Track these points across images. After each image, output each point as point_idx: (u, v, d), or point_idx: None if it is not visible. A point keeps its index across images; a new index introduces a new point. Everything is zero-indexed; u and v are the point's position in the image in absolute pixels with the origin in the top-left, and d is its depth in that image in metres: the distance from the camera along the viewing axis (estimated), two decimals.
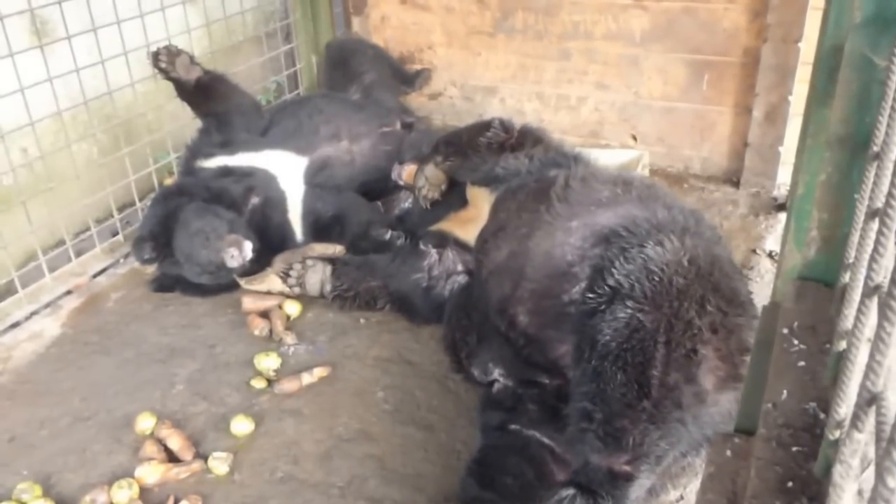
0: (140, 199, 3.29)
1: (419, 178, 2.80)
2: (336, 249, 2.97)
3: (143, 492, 2.06)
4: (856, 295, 0.85)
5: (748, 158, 3.40)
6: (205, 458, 2.14)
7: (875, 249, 0.74)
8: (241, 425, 2.25)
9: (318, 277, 2.77)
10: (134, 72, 3.16)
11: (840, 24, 1.10)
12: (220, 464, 2.12)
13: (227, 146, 3.09)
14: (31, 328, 2.77)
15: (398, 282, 2.69)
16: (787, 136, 3.25)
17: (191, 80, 2.98)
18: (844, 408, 0.78)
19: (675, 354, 1.63)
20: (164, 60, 2.91)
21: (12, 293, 2.83)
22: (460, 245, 2.64)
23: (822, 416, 0.96)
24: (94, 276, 3.06)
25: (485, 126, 2.64)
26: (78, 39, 2.93)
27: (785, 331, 1.12)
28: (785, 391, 1.01)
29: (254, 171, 3.06)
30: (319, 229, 3.08)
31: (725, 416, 1.68)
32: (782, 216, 3.18)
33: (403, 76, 3.96)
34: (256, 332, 2.66)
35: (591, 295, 1.81)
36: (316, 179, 3.12)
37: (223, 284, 2.85)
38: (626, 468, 1.64)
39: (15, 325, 2.78)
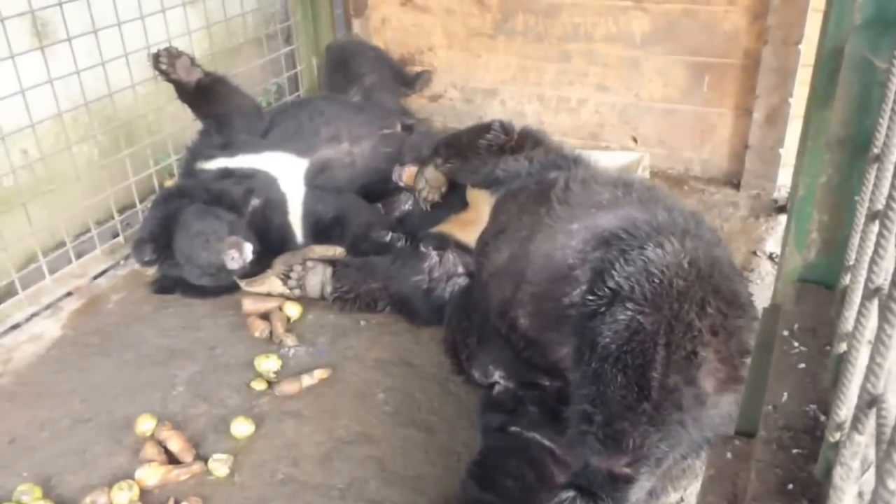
0: (140, 201, 3.29)
1: (419, 181, 2.80)
2: (336, 251, 2.97)
3: (144, 493, 2.06)
4: (856, 297, 0.85)
5: (748, 160, 3.40)
6: (205, 459, 2.14)
7: (875, 252, 0.74)
8: (242, 427, 2.25)
9: (318, 279, 2.77)
10: (134, 73, 3.16)
11: (840, 27, 1.10)
12: (220, 465, 2.11)
13: (228, 148, 3.09)
14: (31, 330, 2.77)
15: (399, 284, 2.69)
16: (787, 138, 3.25)
17: (191, 82, 2.98)
18: (845, 410, 0.78)
19: (675, 356, 1.63)
20: (165, 62, 2.91)
21: (13, 295, 2.83)
22: (461, 247, 2.63)
23: (822, 418, 0.96)
24: (95, 277, 3.06)
25: (485, 128, 2.64)
26: (78, 41, 2.94)
27: (785, 333, 1.12)
28: (785, 393, 1.01)
29: (254, 173, 3.06)
30: (320, 231, 3.08)
31: (725, 418, 1.68)
32: (783, 218, 3.18)
33: (404, 78, 3.96)
34: (257, 334, 2.66)
35: (591, 297, 1.81)
36: (316, 181, 3.12)
37: (223, 286, 2.85)
38: (627, 470, 1.64)
39: (15, 327, 2.78)
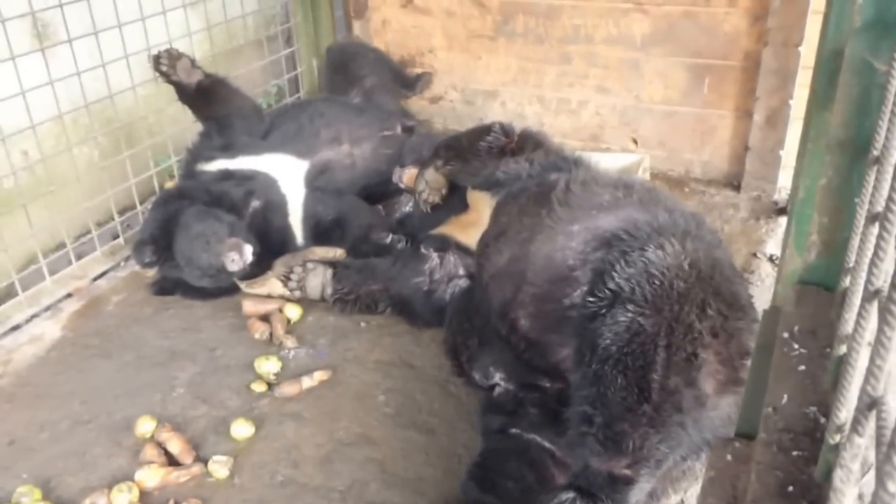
0: (141, 203, 3.29)
1: (420, 183, 2.80)
2: (337, 253, 2.97)
3: (143, 495, 2.06)
4: (856, 299, 0.85)
5: (749, 162, 3.40)
6: (205, 461, 2.14)
7: (875, 254, 0.74)
8: (242, 429, 2.25)
9: (318, 281, 2.77)
10: (135, 75, 3.16)
11: (840, 29, 1.10)
12: (220, 467, 2.11)
13: (228, 150, 3.09)
14: (31, 331, 2.77)
15: (399, 285, 2.69)
16: (787, 139, 3.25)
17: (192, 84, 2.98)
18: (845, 412, 0.78)
19: (675, 358, 1.63)
20: (166, 64, 2.91)
21: (13, 296, 2.83)
22: (461, 249, 2.63)
23: (822, 420, 0.96)
24: (95, 279, 3.06)
25: (485, 130, 2.64)
26: (79, 42, 2.94)
27: (785, 335, 1.12)
28: (785, 395, 1.01)
29: (255, 175, 3.06)
30: (320, 233, 3.08)
31: (725, 420, 1.68)
32: (783, 220, 3.18)
33: (404, 80, 3.96)
34: (257, 336, 2.66)
35: (591, 299, 1.81)
36: (317, 183, 3.13)
37: (224, 288, 2.85)
38: (627, 472, 1.64)
39: (15, 328, 2.78)
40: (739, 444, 1.19)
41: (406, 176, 2.95)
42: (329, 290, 2.75)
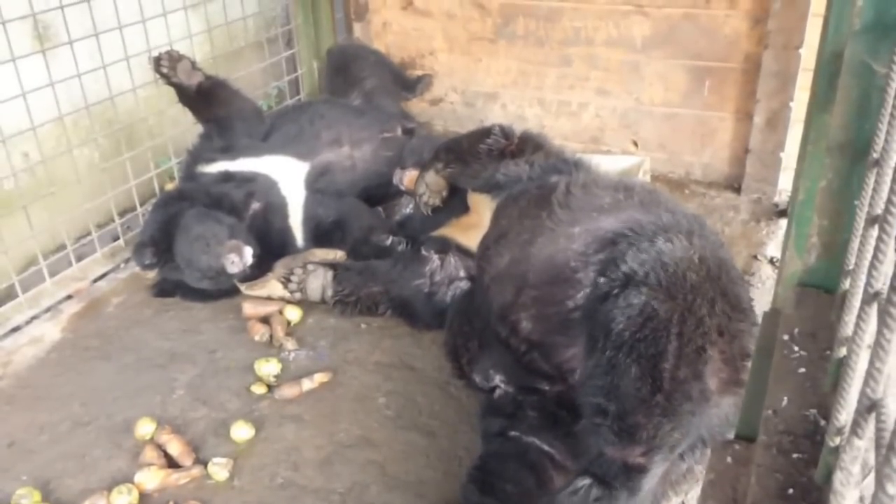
0: (141, 204, 3.29)
1: (420, 185, 2.80)
2: (337, 255, 2.97)
3: (143, 497, 2.05)
4: (856, 301, 0.85)
5: (749, 164, 3.40)
6: (205, 463, 2.14)
7: (875, 256, 0.74)
8: (242, 431, 2.24)
9: (319, 283, 2.77)
10: (135, 77, 3.17)
11: (840, 31, 1.10)
12: (219, 469, 2.11)
13: (229, 151, 3.09)
14: (31, 332, 2.77)
15: (400, 287, 2.69)
16: (788, 142, 3.26)
17: (192, 86, 2.98)
18: (844, 414, 0.78)
19: (686, 349, 1.63)
20: (166, 65, 2.91)
21: (13, 297, 2.83)
22: (462, 251, 2.63)
23: (822, 422, 0.96)
24: (95, 280, 3.06)
25: (485, 132, 2.64)
26: (80, 44, 2.94)
27: (785, 337, 1.12)
28: (785, 398, 1.01)
29: (255, 177, 3.06)
30: (320, 235, 3.08)
31: (724, 420, 1.69)
32: (783, 222, 3.18)
33: (404, 82, 3.96)
34: (257, 338, 2.66)
35: (603, 279, 1.80)
36: (317, 185, 3.13)
37: (224, 290, 2.85)
38: (641, 460, 1.64)
39: (15, 330, 2.77)
40: (739, 447, 1.19)
41: (406, 178, 2.95)
42: (329, 292, 2.75)
